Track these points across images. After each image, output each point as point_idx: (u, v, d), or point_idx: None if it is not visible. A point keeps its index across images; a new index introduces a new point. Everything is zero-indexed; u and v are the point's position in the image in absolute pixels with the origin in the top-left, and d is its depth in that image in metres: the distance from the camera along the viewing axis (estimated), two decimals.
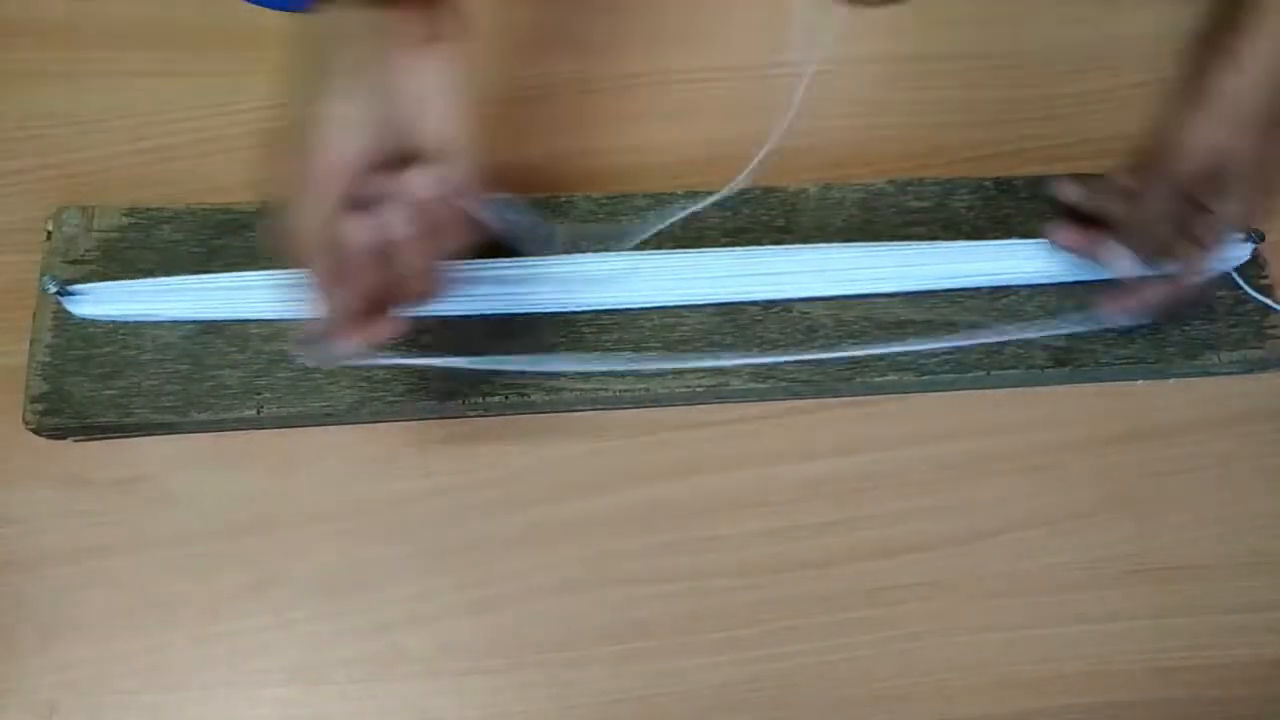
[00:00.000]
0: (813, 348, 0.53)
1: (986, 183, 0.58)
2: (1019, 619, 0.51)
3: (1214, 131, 0.46)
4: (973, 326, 0.54)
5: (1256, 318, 0.56)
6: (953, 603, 0.52)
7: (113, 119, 0.58)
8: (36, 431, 0.49)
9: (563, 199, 0.55)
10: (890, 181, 0.57)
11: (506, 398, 0.51)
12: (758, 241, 0.55)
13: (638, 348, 0.52)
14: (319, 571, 0.50)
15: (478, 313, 0.52)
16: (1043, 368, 0.54)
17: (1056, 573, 0.52)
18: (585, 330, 0.53)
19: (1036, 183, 0.58)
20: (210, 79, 0.59)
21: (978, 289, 0.55)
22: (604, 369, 0.51)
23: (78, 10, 0.60)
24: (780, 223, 0.56)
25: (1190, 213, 0.49)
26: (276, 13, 0.61)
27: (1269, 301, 0.56)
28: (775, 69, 0.62)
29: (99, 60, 0.59)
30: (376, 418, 0.52)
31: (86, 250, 0.52)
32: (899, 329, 0.54)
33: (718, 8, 0.64)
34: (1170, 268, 0.51)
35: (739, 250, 0.54)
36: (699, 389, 0.52)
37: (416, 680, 0.49)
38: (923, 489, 0.54)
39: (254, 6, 0.61)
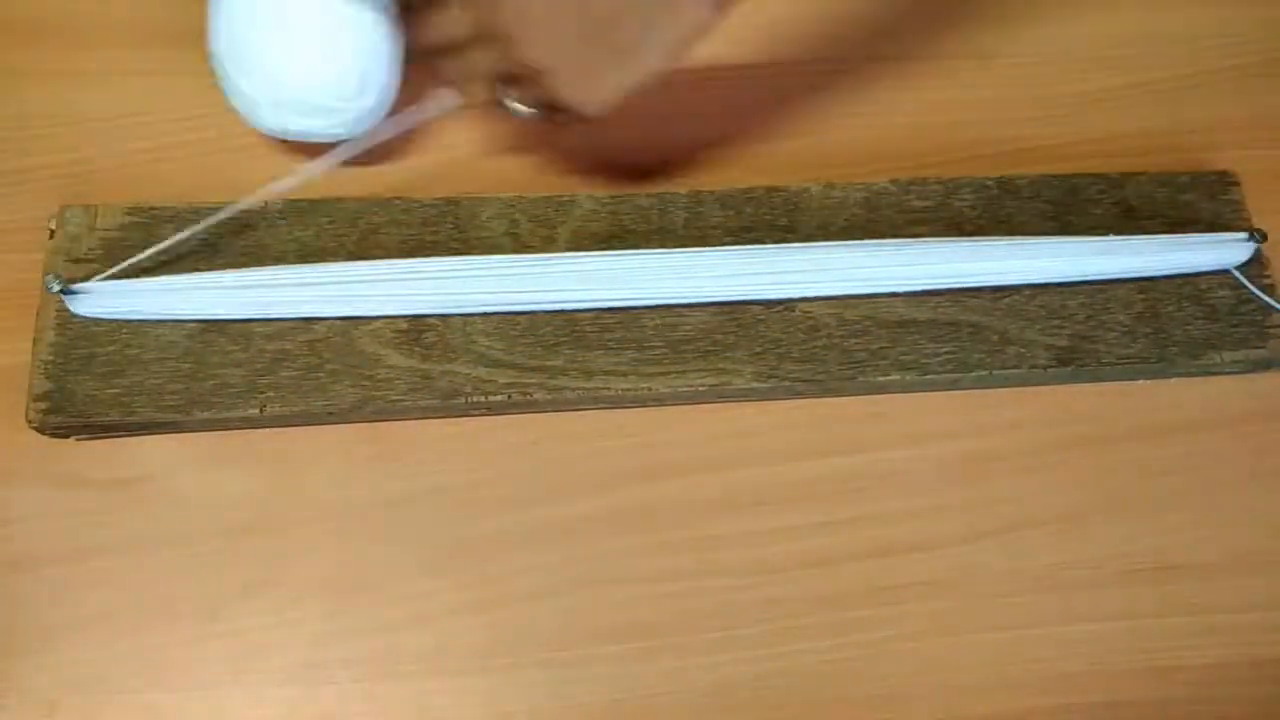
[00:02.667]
0: (815, 347, 0.53)
1: (989, 182, 0.58)
2: (1020, 618, 0.52)
3: None
4: (975, 326, 0.54)
5: (1259, 317, 0.56)
6: (954, 602, 0.52)
7: (116, 118, 0.58)
8: (40, 430, 0.49)
9: (565, 198, 0.55)
10: (893, 181, 0.57)
11: (509, 396, 0.51)
12: (761, 241, 0.55)
13: (640, 347, 0.52)
14: (319, 571, 0.50)
15: (478, 310, 0.52)
16: (1045, 367, 0.54)
17: (1058, 572, 0.53)
18: (588, 329, 0.53)
19: (1038, 182, 0.58)
20: (214, 78, 0.59)
21: (979, 289, 0.55)
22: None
23: (81, 9, 0.60)
24: (783, 222, 0.56)
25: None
26: None
27: (1271, 301, 0.56)
28: (783, 69, 0.62)
29: (102, 59, 0.59)
30: (379, 416, 0.52)
31: (90, 249, 0.52)
32: (901, 328, 0.54)
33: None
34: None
35: (742, 249, 0.54)
36: (701, 388, 0.52)
37: (417, 680, 0.49)
38: (924, 488, 0.54)
39: None
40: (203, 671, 0.48)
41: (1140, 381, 0.56)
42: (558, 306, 0.52)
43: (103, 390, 0.49)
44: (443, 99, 0.51)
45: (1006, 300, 0.55)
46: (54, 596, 0.49)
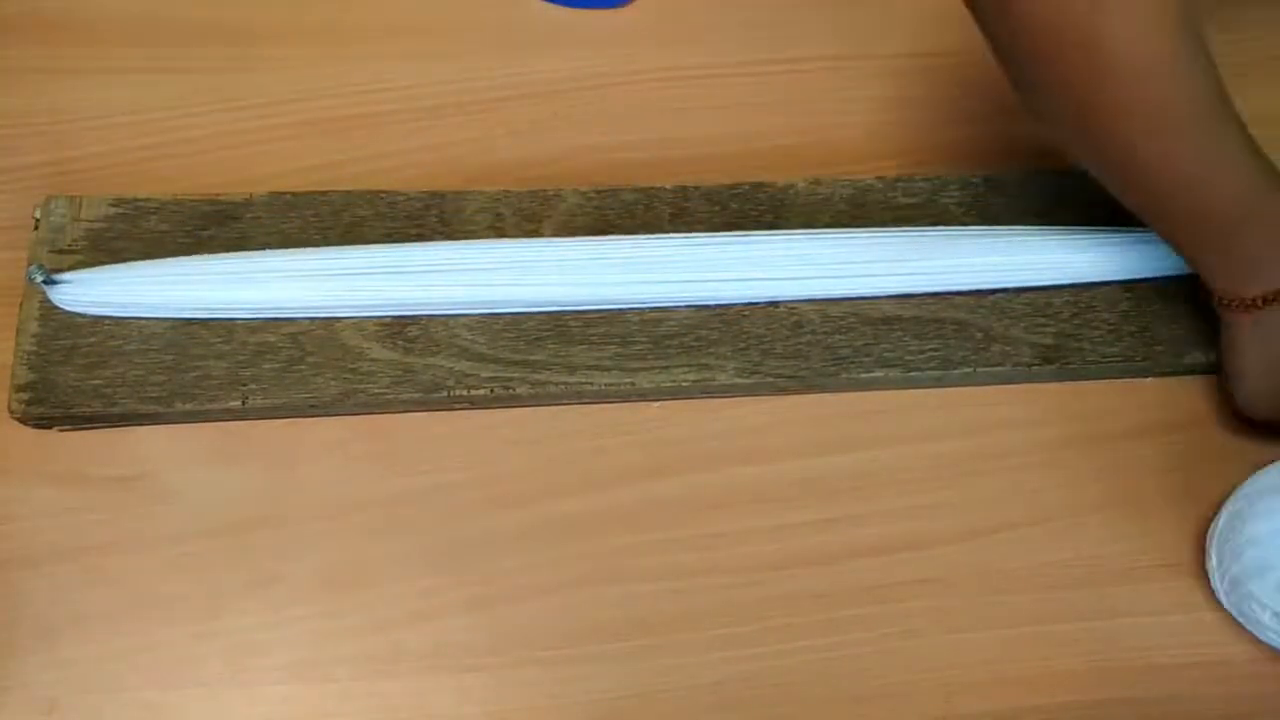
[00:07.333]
0: (798, 343, 0.53)
1: (976, 179, 0.58)
2: (1018, 616, 0.51)
3: None
4: (959, 323, 0.54)
5: None
6: (952, 600, 0.51)
7: (110, 116, 0.58)
8: (22, 420, 0.49)
9: (551, 192, 0.55)
10: (879, 178, 0.57)
11: (492, 390, 0.51)
12: None
13: (623, 342, 0.52)
14: (319, 568, 0.50)
15: (461, 305, 0.52)
16: (1030, 365, 0.54)
17: (1056, 570, 0.52)
18: (571, 324, 0.53)
19: (1026, 180, 0.58)
20: (208, 76, 0.59)
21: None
22: None
23: (75, 6, 0.60)
24: (769, 218, 0.56)
25: None
26: (270, 9, 0.61)
27: None
28: (772, 66, 0.63)
29: (97, 57, 0.59)
30: (361, 409, 0.51)
31: (74, 240, 0.52)
32: (885, 325, 0.54)
33: (716, 6, 0.64)
34: None
35: (727, 236, 0.54)
36: (684, 384, 0.52)
37: (416, 677, 0.49)
38: (922, 486, 0.53)
39: (265, 4, 0.61)
40: (202, 669, 0.48)
41: (1133, 380, 0.56)
42: (542, 296, 0.52)
43: (85, 381, 0.49)
44: None
45: (991, 297, 0.55)
46: (53, 594, 0.49)
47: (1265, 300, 0.48)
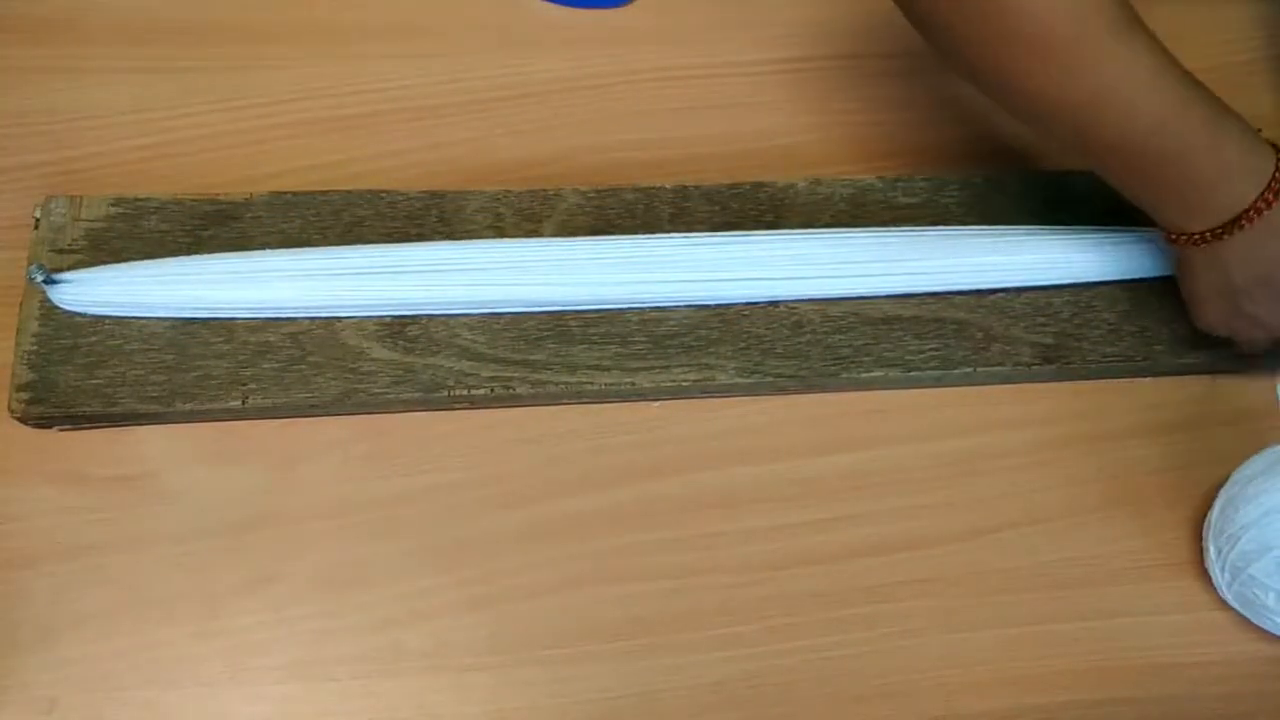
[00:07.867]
0: (799, 343, 0.53)
1: (976, 179, 0.58)
2: (1018, 615, 0.51)
3: None
4: (959, 323, 0.54)
5: None
6: (952, 599, 0.52)
7: (110, 115, 0.58)
8: (22, 420, 0.49)
9: (551, 192, 0.55)
10: (879, 177, 0.57)
11: (492, 390, 0.51)
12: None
13: (624, 342, 0.52)
14: (318, 568, 0.50)
15: (461, 305, 0.52)
16: (1029, 365, 0.54)
17: (1056, 569, 0.52)
18: (572, 324, 0.53)
19: (1027, 179, 0.58)
20: (207, 75, 0.59)
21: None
22: None
23: (76, 6, 0.60)
24: (769, 218, 0.56)
25: None
26: (269, 9, 0.61)
27: None
28: (772, 66, 0.63)
29: (97, 56, 0.59)
30: (362, 409, 0.52)
31: (74, 240, 0.52)
32: (885, 325, 0.54)
33: (716, 6, 0.64)
34: None
35: (727, 235, 0.54)
36: (684, 384, 0.52)
37: (416, 676, 0.49)
38: (922, 485, 0.54)
39: (264, 4, 0.61)
40: (202, 669, 0.48)
41: (1133, 380, 0.56)
42: (542, 296, 0.52)
43: (85, 381, 0.49)
44: None
45: (991, 297, 0.55)
46: (53, 593, 0.49)
47: (1211, 235, 0.48)
